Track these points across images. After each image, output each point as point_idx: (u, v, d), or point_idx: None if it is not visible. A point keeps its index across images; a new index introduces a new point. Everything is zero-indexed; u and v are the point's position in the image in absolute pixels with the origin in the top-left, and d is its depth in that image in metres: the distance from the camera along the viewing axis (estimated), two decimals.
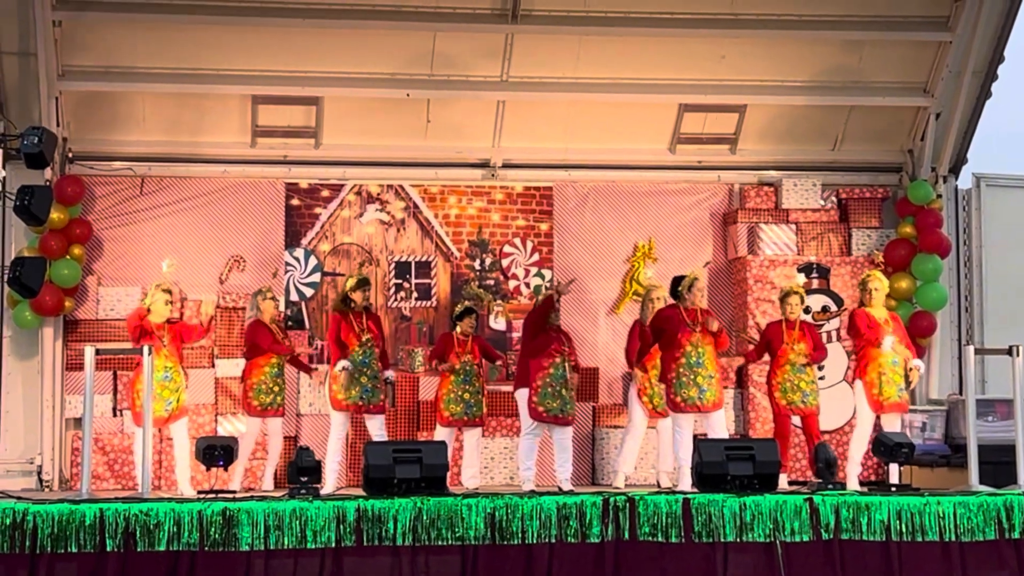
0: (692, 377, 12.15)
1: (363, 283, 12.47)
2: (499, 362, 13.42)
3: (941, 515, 10.43)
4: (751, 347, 13.13)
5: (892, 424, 12.17)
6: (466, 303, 13.22)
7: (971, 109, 14.55)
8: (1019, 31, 14.22)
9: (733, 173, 14.81)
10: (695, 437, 11.91)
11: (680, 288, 12.32)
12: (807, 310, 13.27)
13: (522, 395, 12.24)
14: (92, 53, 13.50)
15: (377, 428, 12.37)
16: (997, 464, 11.85)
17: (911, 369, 12.19)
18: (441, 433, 12.55)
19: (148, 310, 12.30)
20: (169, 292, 12.38)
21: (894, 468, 11.84)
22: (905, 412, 12.34)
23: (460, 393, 12.53)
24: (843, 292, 14.20)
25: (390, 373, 12.54)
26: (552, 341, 12.22)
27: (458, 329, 12.73)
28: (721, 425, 12.30)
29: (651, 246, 14.54)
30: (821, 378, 12.88)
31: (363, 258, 14.11)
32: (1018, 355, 11.39)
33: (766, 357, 12.67)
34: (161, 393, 12.06)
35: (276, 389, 12.70)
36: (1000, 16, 14.06)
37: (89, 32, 13.41)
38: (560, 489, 11.89)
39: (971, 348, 11.97)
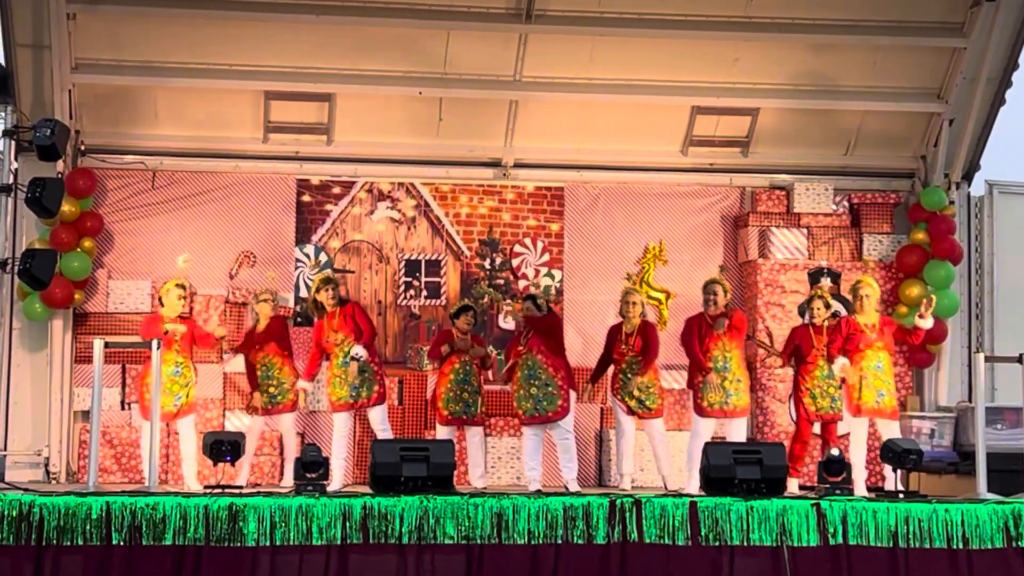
0: (719, 382, 12.17)
1: (325, 282, 12.46)
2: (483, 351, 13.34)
3: (948, 522, 10.41)
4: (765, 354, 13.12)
5: (889, 431, 12.12)
6: (464, 301, 13.24)
7: (985, 116, 14.50)
8: None
9: (745, 176, 14.78)
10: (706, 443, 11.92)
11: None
12: (836, 315, 13.27)
13: None
14: (106, 46, 13.51)
15: (379, 420, 12.35)
16: (1005, 472, 11.83)
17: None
18: (442, 432, 12.55)
19: (161, 303, 12.32)
20: (183, 287, 12.38)
21: (893, 475, 11.78)
22: (894, 418, 12.26)
23: (459, 392, 12.53)
24: None
25: (358, 351, 12.21)
26: (514, 344, 12.29)
27: (455, 327, 12.72)
28: (741, 432, 12.31)
29: (662, 248, 14.53)
30: None
31: (340, 266, 14.08)
32: None
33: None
34: (171, 388, 12.06)
35: (271, 389, 12.65)
36: (1015, 23, 14.01)
37: (103, 25, 13.41)
38: (567, 490, 11.88)
39: (981, 355, 11.95)
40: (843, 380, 12.31)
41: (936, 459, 13.21)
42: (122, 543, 9.79)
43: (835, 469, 11.10)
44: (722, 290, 12.43)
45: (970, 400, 13.76)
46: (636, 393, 12.44)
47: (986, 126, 14.59)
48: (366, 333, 12.33)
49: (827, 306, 12.62)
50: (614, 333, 12.78)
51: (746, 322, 12.76)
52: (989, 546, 10.42)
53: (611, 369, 12.79)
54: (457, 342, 12.58)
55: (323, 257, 14.15)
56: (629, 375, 12.51)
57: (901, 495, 11.17)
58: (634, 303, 12.68)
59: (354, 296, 13.75)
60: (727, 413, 12.26)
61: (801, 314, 13.91)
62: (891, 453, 11.30)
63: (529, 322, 12.28)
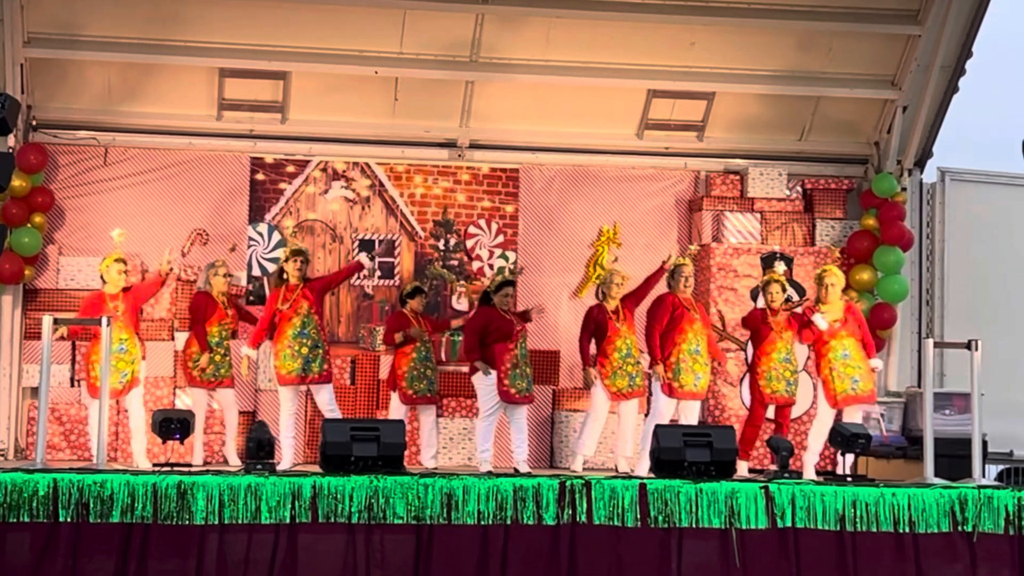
0: (691, 364, 12.19)
1: (297, 253, 12.36)
2: (455, 323, 13.49)
3: (895, 506, 10.46)
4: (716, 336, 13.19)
5: (853, 416, 12.19)
6: (415, 283, 13.21)
7: (938, 103, 14.60)
8: (988, 26, 14.28)
9: (700, 160, 14.83)
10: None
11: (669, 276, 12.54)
12: (788, 299, 13.33)
13: (481, 379, 12.20)
14: (59, 21, 13.39)
15: (327, 403, 12.27)
16: (952, 457, 11.90)
17: (871, 370, 12.27)
18: (398, 410, 12.52)
19: (103, 280, 12.23)
20: (123, 262, 12.28)
21: (846, 459, 11.85)
22: (870, 402, 12.34)
23: (423, 370, 12.51)
24: (806, 282, 14.23)
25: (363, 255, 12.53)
26: (512, 324, 12.19)
27: (407, 308, 12.69)
28: (695, 413, 12.37)
29: (616, 231, 14.55)
30: None
31: (293, 229, 14.06)
32: (976, 349, 11.42)
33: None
34: (116, 365, 11.95)
35: (216, 359, 12.59)
36: (970, 11, 14.09)
37: (57, 0, 13.29)
38: (516, 471, 11.89)
39: (930, 341, 12.00)
40: (816, 369, 12.39)
41: (885, 444, 13.29)
42: (69, 520, 9.72)
43: (784, 457, 11.16)
44: (690, 271, 12.43)
45: (919, 386, 13.84)
46: (629, 370, 12.44)
47: (939, 114, 14.68)
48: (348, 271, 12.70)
49: (783, 290, 12.68)
50: (600, 314, 12.70)
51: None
52: (935, 530, 10.48)
53: (593, 349, 12.77)
54: (412, 331, 12.52)
55: (276, 236, 14.10)
56: (623, 352, 12.50)
57: (849, 479, 11.24)
58: (618, 284, 12.67)
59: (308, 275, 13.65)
60: (696, 395, 12.30)
61: (754, 298, 13.96)
62: (839, 437, 11.37)
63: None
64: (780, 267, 12.89)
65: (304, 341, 12.15)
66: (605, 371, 12.61)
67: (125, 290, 12.33)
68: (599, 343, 12.69)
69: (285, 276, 12.30)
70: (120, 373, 12.03)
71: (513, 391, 12.09)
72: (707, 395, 12.79)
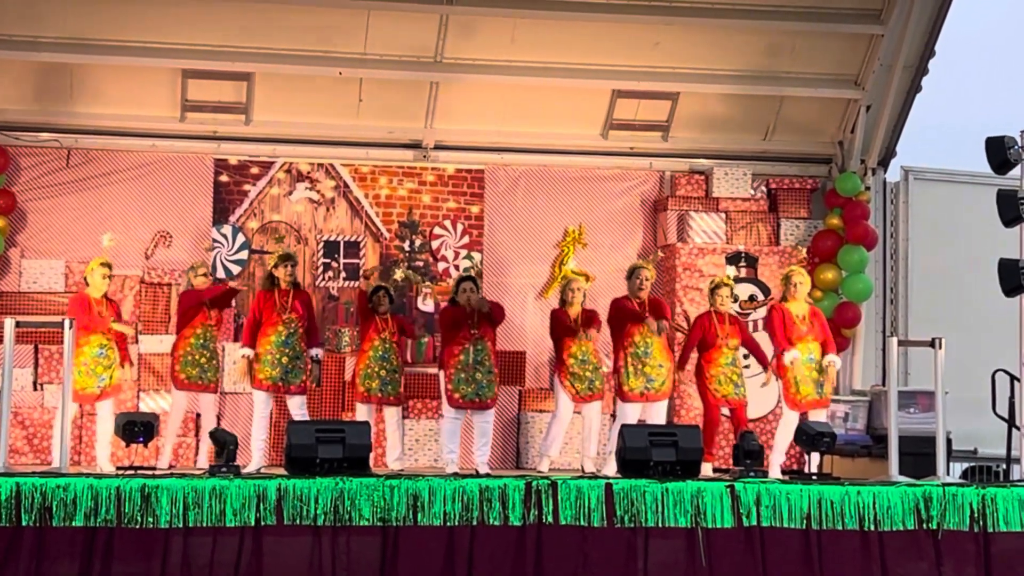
0: (640, 367, 12.14)
1: (285, 259, 12.31)
2: (412, 340, 13.47)
3: (861, 504, 10.49)
4: (683, 339, 13.16)
5: (816, 418, 12.19)
6: (377, 282, 13.12)
7: (901, 102, 14.66)
8: (950, 26, 14.36)
9: (664, 160, 14.85)
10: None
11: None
12: (735, 299, 13.33)
13: (440, 379, 12.20)
14: (21, 22, 13.31)
15: (297, 408, 12.21)
16: (917, 455, 11.96)
17: (827, 365, 12.24)
18: (361, 411, 12.47)
19: (86, 283, 12.09)
20: (108, 267, 12.14)
21: (814, 458, 11.88)
22: (827, 407, 12.32)
23: (376, 370, 12.39)
24: (771, 282, 14.27)
25: (317, 351, 12.37)
26: (462, 327, 12.10)
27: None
28: (661, 414, 12.33)
29: (581, 231, 14.56)
30: (746, 367, 12.88)
31: (284, 232, 14.03)
32: (940, 347, 11.46)
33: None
34: (95, 369, 11.84)
35: (203, 362, 12.49)
36: (932, 10, 14.16)
37: (19, 0, 13.20)
38: (477, 473, 11.86)
39: (895, 340, 12.03)
40: (780, 371, 12.28)
41: (850, 442, 13.34)
42: (32, 524, 9.66)
43: (754, 456, 11.18)
44: (649, 275, 12.37)
45: (884, 384, 13.90)
46: (588, 374, 12.38)
47: (902, 113, 14.75)
48: (318, 334, 12.35)
49: (732, 293, 12.69)
50: (563, 318, 12.68)
51: (667, 307, 12.77)
52: (900, 528, 10.51)
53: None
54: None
55: (240, 238, 14.04)
56: (579, 358, 12.44)
57: (814, 478, 11.27)
58: (578, 289, 12.62)
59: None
60: (648, 397, 12.25)
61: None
62: (805, 436, 11.39)
63: (494, 308, 12.23)
64: (730, 271, 12.92)
65: (285, 351, 12.07)
66: (564, 374, 12.60)
67: (107, 297, 12.18)
68: (558, 348, 12.71)
69: (276, 281, 12.23)
70: (98, 378, 11.90)
71: (457, 395, 12.00)
72: (663, 396, 12.38)
